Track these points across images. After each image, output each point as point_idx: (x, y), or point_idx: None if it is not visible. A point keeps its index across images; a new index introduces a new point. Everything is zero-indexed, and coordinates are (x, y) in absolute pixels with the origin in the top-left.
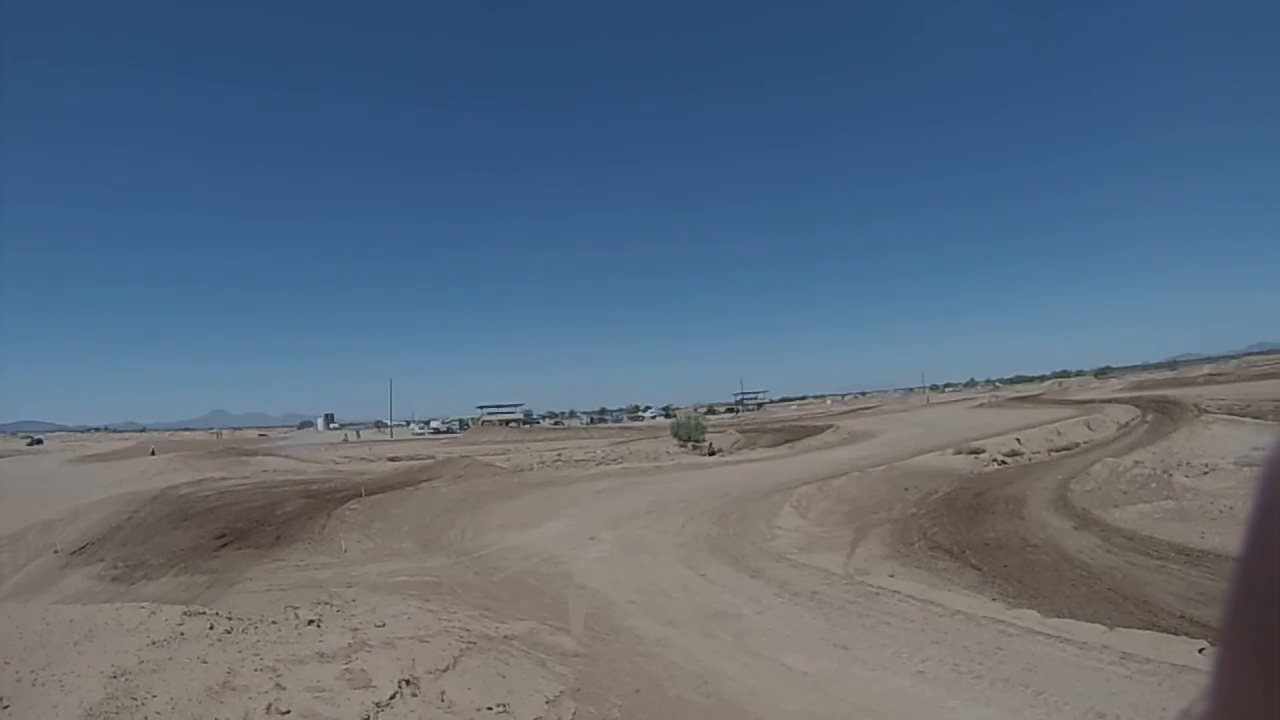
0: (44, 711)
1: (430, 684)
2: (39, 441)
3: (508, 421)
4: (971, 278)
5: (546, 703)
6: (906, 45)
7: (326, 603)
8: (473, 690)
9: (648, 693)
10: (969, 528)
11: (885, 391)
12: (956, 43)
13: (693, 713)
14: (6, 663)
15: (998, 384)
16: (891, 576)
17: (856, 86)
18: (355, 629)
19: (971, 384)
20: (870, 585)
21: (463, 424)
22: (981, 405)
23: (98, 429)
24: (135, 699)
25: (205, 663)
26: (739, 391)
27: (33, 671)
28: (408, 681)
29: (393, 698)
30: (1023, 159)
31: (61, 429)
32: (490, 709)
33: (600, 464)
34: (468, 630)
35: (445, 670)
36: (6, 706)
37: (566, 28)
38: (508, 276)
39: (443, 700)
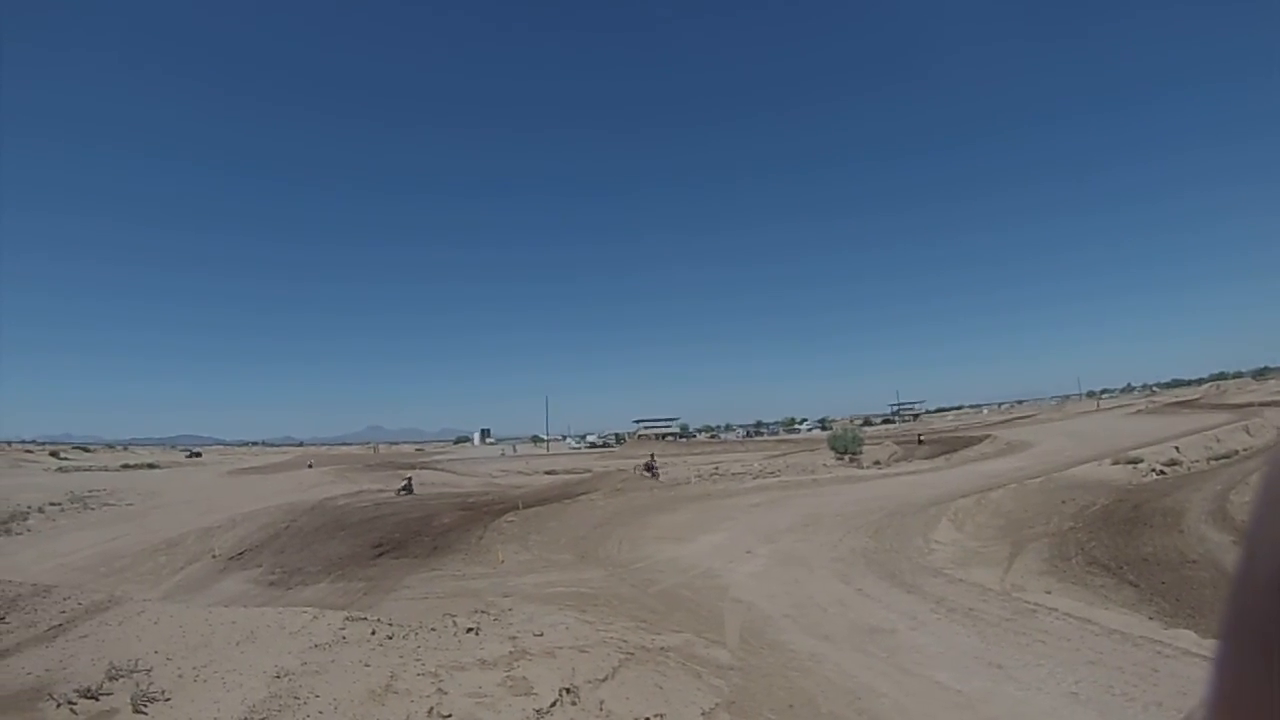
0: (205, 706)
1: (589, 693)
2: (197, 454)
3: (664, 435)
4: (1125, 279)
5: (702, 715)
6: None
7: (484, 612)
8: (631, 700)
9: (800, 708)
10: (1126, 542)
11: (1041, 400)
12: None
13: None
14: (169, 659)
15: (1154, 389)
16: (1048, 593)
17: (1017, 85)
18: (514, 637)
19: (1128, 389)
20: (1026, 602)
21: (619, 438)
22: (1138, 412)
23: (255, 443)
24: (298, 698)
25: (368, 666)
26: (895, 402)
27: (195, 669)
28: (568, 690)
29: (553, 705)
30: (1182, 148)
31: (220, 443)
32: (648, 719)
33: (756, 477)
34: (625, 641)
35: (604, 680)
36: (169, 700)
37: (714, 43)
38: (663, 294)
39: (601, 709)
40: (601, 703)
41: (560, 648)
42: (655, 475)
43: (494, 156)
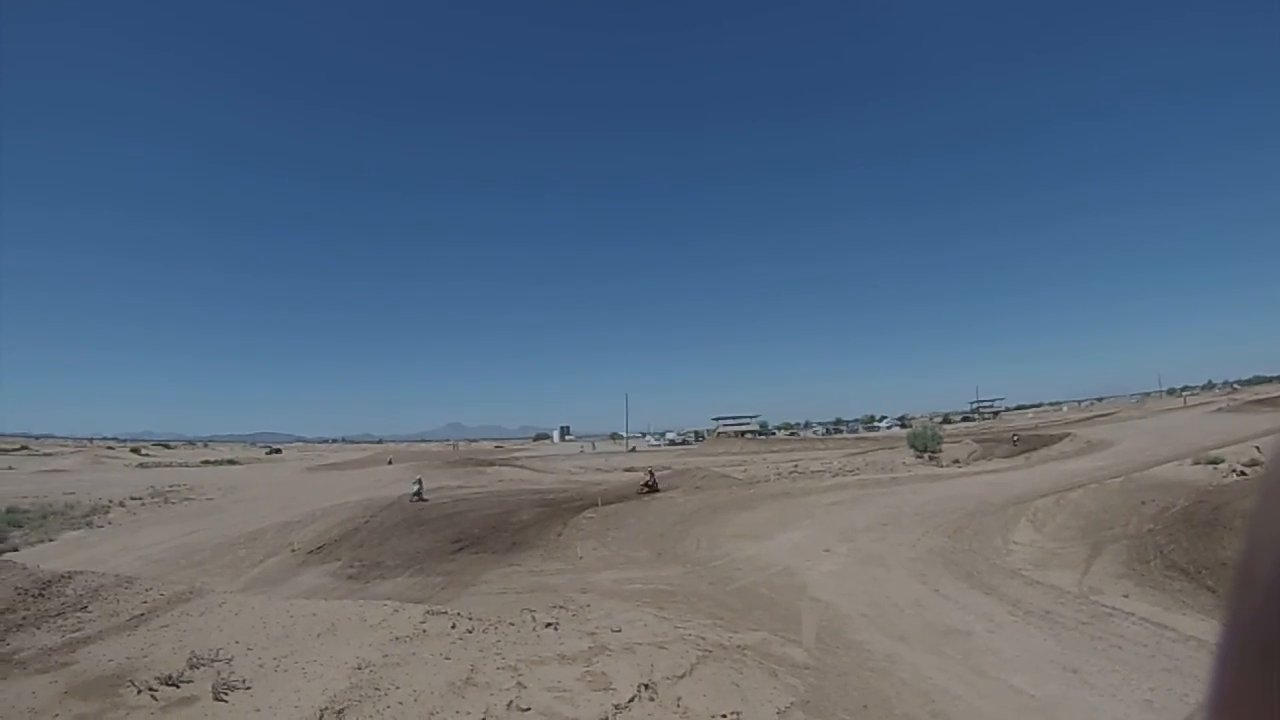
0: (286, 695)
1: (667, 689)
2: (277, 451)
3: (743, 433)
4: (1208, 275)
5: (777, 713)
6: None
7: (562, 607)
8: (708, 697)
9: (875, 709)
10: (1206, 545)
11: (1121, 397)
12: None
13: None
14: (250, 649)
15: (1235, 385)
16: (1125, 597)
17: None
18: (592, 633)
19: (1209, 386)
20: (1104, 606)
21: (699, 435)
22: (1219, 410)
23: (334, 440)
24: (378, 689)
25: (448, 659)
26: (974, 399)
27: (276, 659)
28: (646, 686)
29: (631, 701)
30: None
31: (300, 440)
32: (724, 716)
33: (836, 475)
34: (703, 639)
35: (682, 677)
36: (249, 688)
37: (778, 38)
38: (742, 291)
39: (679, 706)
40: (679, 699)
41: (639, 644)
42: (654, 490)
43: (572, 156)
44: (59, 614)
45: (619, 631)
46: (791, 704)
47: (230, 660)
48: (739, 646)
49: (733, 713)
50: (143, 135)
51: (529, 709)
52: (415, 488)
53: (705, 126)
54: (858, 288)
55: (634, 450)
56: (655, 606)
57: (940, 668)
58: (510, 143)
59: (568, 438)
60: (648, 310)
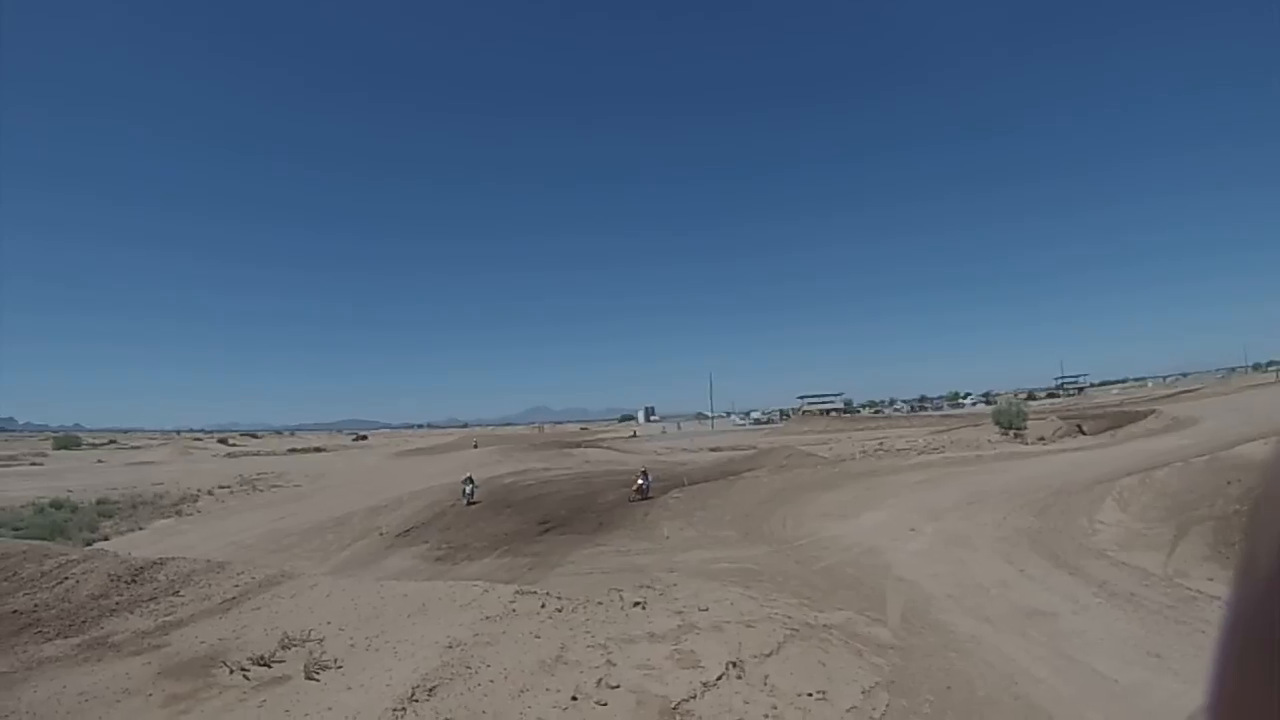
0: (377, 674)
1: (754, 668)
2: (363, 438)
3: (828, 411)
4: None
5: (862, 693)
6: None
7: (649, 587)
8: (794, 676)
9: (958, 690)
10: None
11: (1206, 373)
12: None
13: (999, 714)
14: (341, 630)
15: None
16: (1210, 580)
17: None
18: (680, 612)
19: None
20: (1189, 589)
21: (783, 414)
22: None
23: (420, 426)
24: (469, 668)
25: (538, 638)
26: (1059, 375)
27: (367, 639)
28: (734, 664)
29: (719, 679)
30: None
31: (386, 426)
32: (810, 695)
33: (921, 453)
34: (789, 618)
35: (769, 655)
36: (341, 667)
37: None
38: (826, 271)
39: (765, 684)
40: (766, 677)
41: (726, 623)
42: (646, 496)
43: (649, 143)
44: (152, 599)
45: (706, 610)
46: (876, 684)
47: (322, 640)
48: (825, 626)
49: (818, 691)
50: (236, 141)
51: (618, 686)
52: (467, 488)
53: (786, 108)
54: (941, 264)
55: (715, 430)
56: (742, 586)
57: (1024, 650)
58: (595, 132)
59: (653, 419)
60: (733, 291)
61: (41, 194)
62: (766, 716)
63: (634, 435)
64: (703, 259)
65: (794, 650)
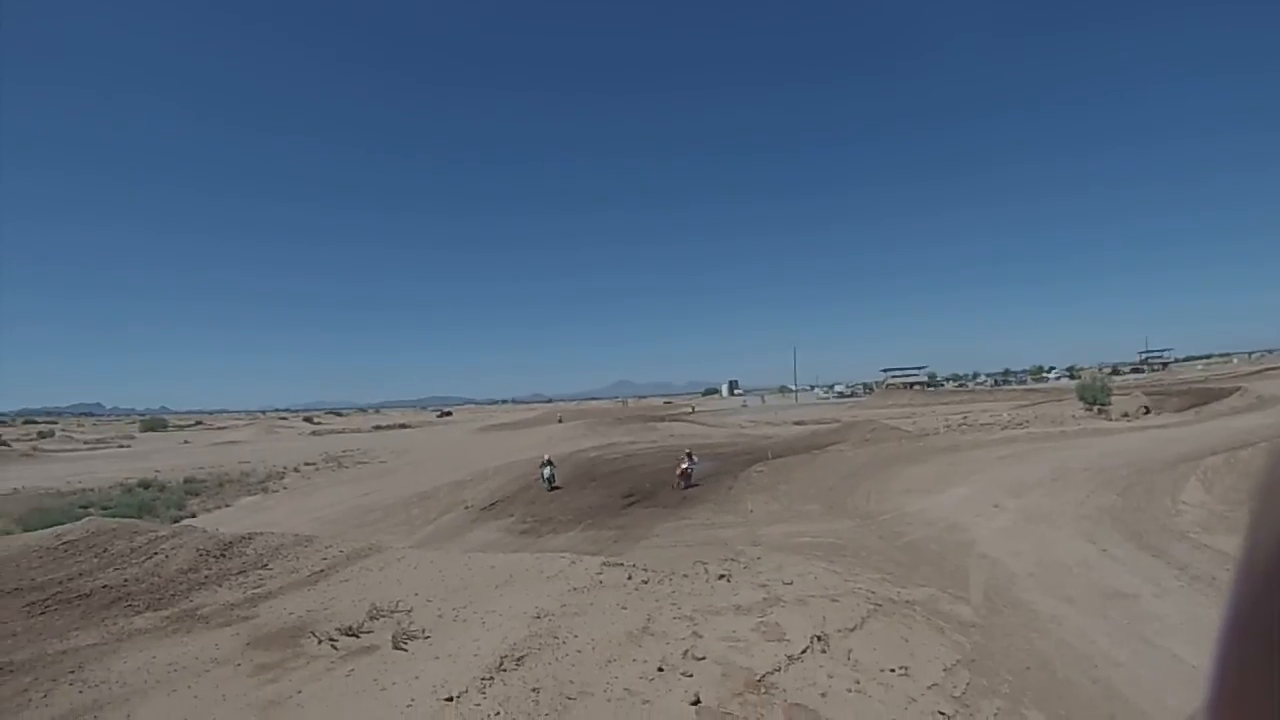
0: (465, 644)
1: (838, 641)
2: (448, 414)
3: (912, 384)
4: None
5: (943, 670)
6: None
7: (734, 560)
8: (877, 651)
9: (1037, 671)
10: None
11: None
12: None
13: (1077, 697)
14: (429, 601)
15: None
16: None
17: None
18: (764, 585)
19: None
20: None
21: (867, 387)
22: None
23: (505, 401)
24: (556, 638)
25: (624, 609)
26: (1143, 350)
27: (454, 610)
28: (818, 638)
29: (804, 652)
30: None
31: (470, 402)
32: (892, 670)
33: (1005, 428)
34: (873, 593)
35: (853, 629)
36: (428, 638)
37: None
38: (911, 241)
39: (849, 658)
40: (849, 651)
41: (810, 596)
42: (691, 484)
43: (739, 113)
44: (240, 572)
45: (790, 584)
46: (957, 661)
47: (410, 611)
48: (907, 602)
49: (901, 667)
50: (315, 129)
51: (704, 658)
52: (547, 471)
53: (872, 76)
54: (1027, 235)
55: (799, 403)
56: (825, 560)
57: (1104, 632)
58: (677, 106)
59: (736, 392)
60: (817, 263)
61: (136, 187)
62: (849, 690)
63: (692, 411)
64: (788, 230)
65: (877, 625)
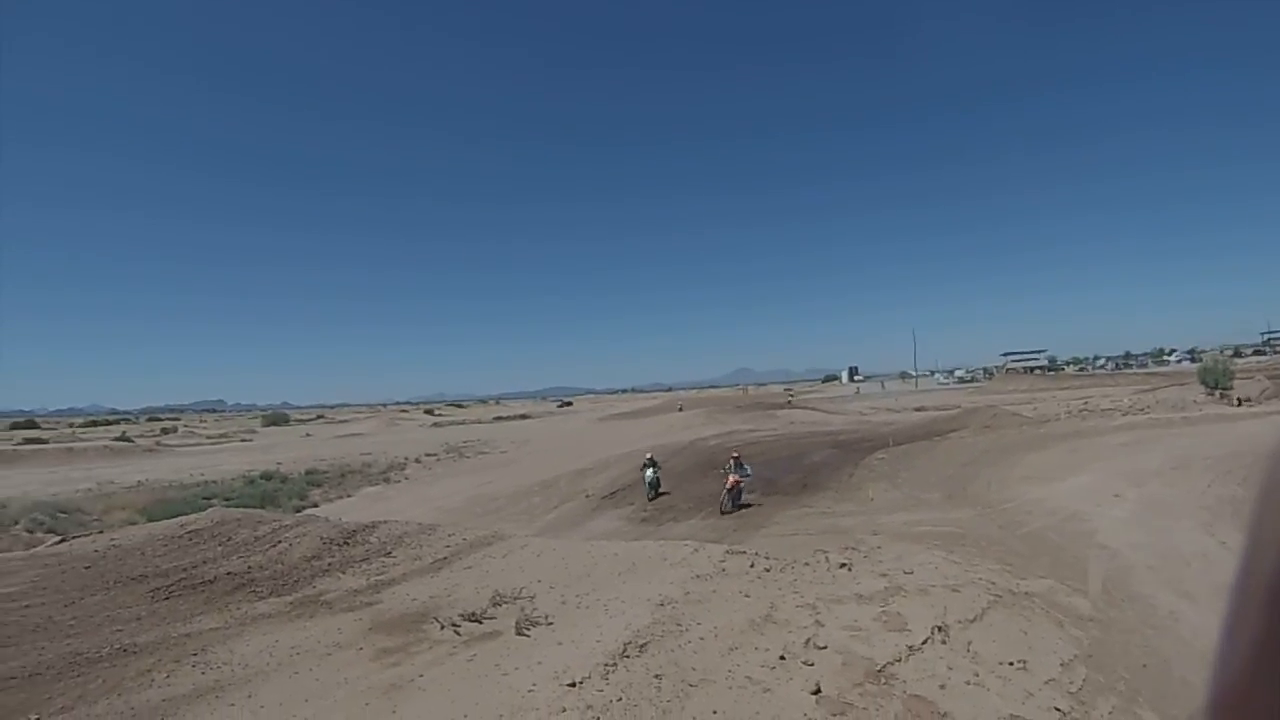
0: (588, 630)
1: (959, 633)
2: (568, 404)
3: (1032, 369)
4: None
5: (1061, 665)
6: None
7: (854, 548)
8: (996, 644)
9: (1154, 669)
10: None
11: None
12: None
13: (1193, 699)
14: (552, 588)
15: None
16: None
17: None
18: (885, 574)
19: None
20: None
21: (987, 372)
22: None
23: (625, 390)
24: (680, 625)
25: (747, 597)
26: (1265, 331)
27: (578, 596)
28: (939, 628)
29: (924, 643)
30: None
31: (590, 392)
32: (1011, 664)
33: (1125, 414)
34: (992, 584)
35: (973, 621)
36: (551, 624)
37: None
38: (1032, 218)
39: (969, 650)
40: (969, 644)
41: (932, 586)
42: (735, 503)
43: (849, 86)
44: (363, 559)
45: (911, 573)
46: (1075, 657)
47: (533, 598)
48: (1027, 594)
49: (1019, 661)
50: (433, 121)
51: (825, 647)
52: (649, 474)
53: (989, 39)
54: (1147, 211)
55: (919, 389)
56: (946, 549)
57: None
58: (779, 83)
59: (856, 378)
60: (937, 243)
61: (257, 186)
62: (968, 683)
63: (790, 400)
64: (907, 208)
65: (997, 617)
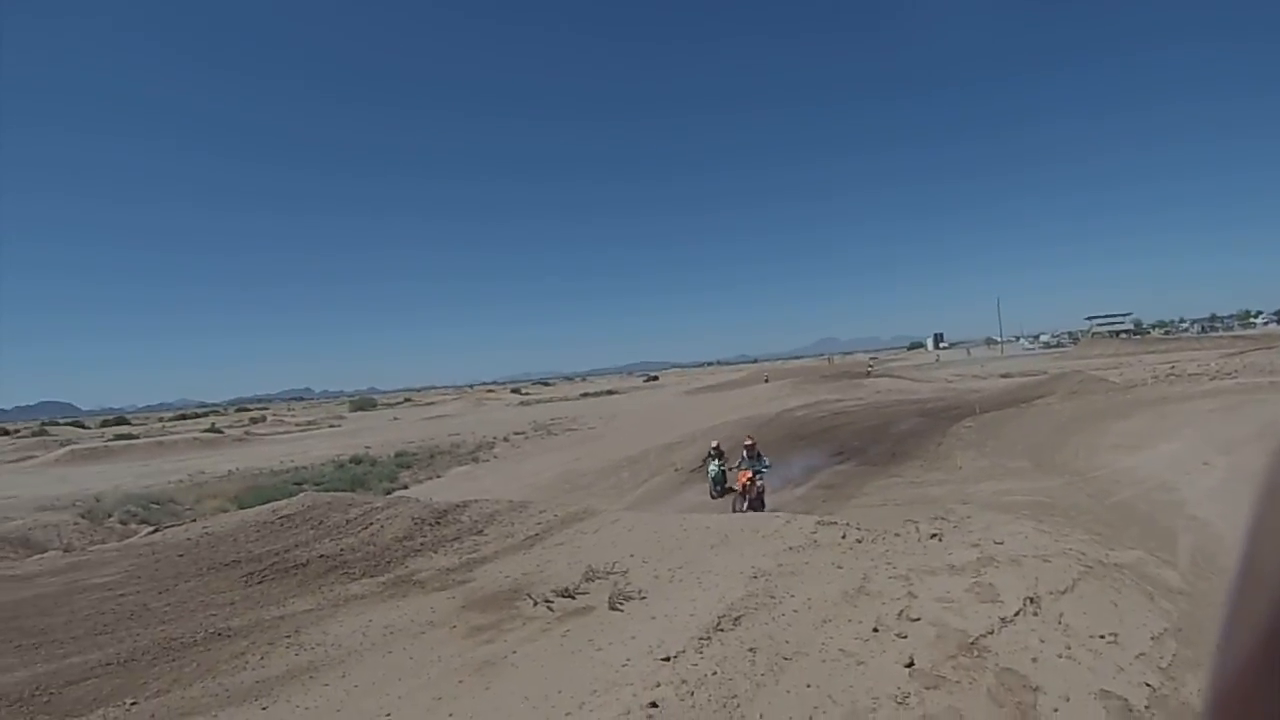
0: (681, 604)
1: (1050, 604)
2: (654, 378)
3: (1117, 332)
4: None
5: (1151, 639)
6: None
7: (943, 518)
8: (1087, 616)
9: None
10: None
11: None
12: None
13: None
14: (645, 562)
15: None
16: None
17: None
18: (976, 544)
19: None
20: None
21: (1072, 336)
22: None
23: (710, 363)
24: (773, 597)
25: (840, 568)
26: None
27: (670, 570)
28: (1031, 600)
29: (1016, 614)
30: None
31: (676, 365)
32: (1102, 637)
33: (1213, 379)
34: (1083, 554)
35: (1064, 592)
36: (645, 598)
37: None
38: (1108, 182)
39: (1060, 622)
40: (1060, 615)
41: (1023, 556)
42: (750, 502)
43: (933, 49)
44: (455, 538)
45: (1002, 544)
46: (1165, 630)
47: (626, 573)
48: (1116, 565)
49: (1110, 634)
50: (532, 108)
51: (919, 619)
52: (715, 467)
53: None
54: (1229, 172)
55: (1005, 355)
56: (1035, 519)
57: None
58: (861, 48)
59: (941, 345)
60: (1019, 207)
61: (332, 177)
62: (1060, 656)
63: (870, 369)
64: (990, 173)
65: (1087, 589)
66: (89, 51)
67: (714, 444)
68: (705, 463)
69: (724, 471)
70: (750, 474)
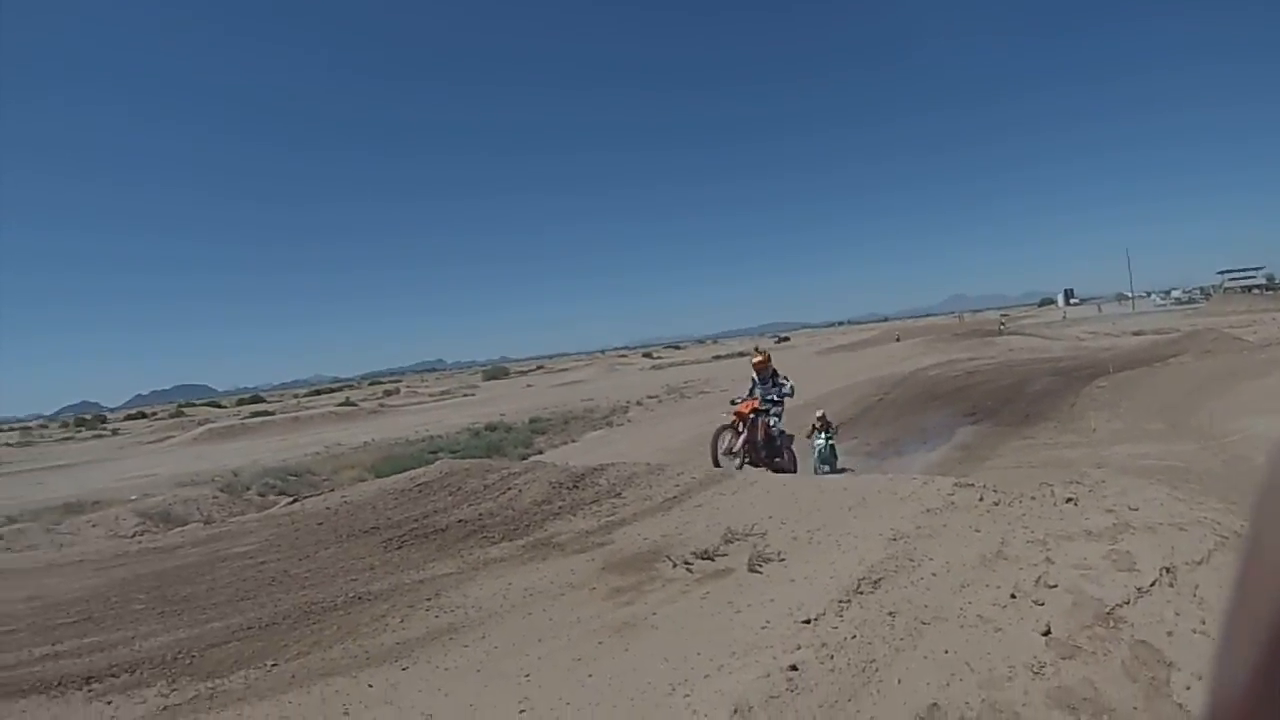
0: (820, 566)
1: (1186, 575)
2: (786, 339)
3: (1250, 288)
4: None
5: None
6: None
7: (1078, 482)
8: (1222, 589)
9: None
10: None
11: None
12: None
13: None
14: (783, 524)
15: None
16: None
17: None
18: (1111, 510)
19: None
20: None
21: (1204, 292)
22: None
23: (841, 323)
24: (912, 560)
25: (977, 531)
26: None
27: (808, 532)
28: (1167, 569)
29: (1152, 585)
30: None
31: (807, 326)
32: None
33: None
34: (1218, 524)
35: (1200, 563)
36: (784, 560)
37: None
38: (1239, 130)
39: (1195, 594)
40: (1196, 587)
41: (1159, 524)
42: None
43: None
44: (594, 501)
45: (1137, 510)
46: None
47: (764, 535)
48: None
49: None
50: (649, 79)
51: (1056, 585)
52: (822, 442)
53: None
54: None
55: (1136, 311)
56: (1169, 484)
57: None
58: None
59: (1072, 301)
60: (1147, 154)
61: (449, 156)
62: (1194, 631)
63: (1002, 326)
64: (1118, 120)
65: (1222, 560)
66: (268, 64)
67: (819, 414)
68: (811, 437)
69: (833, 447)
70: (755, 403)
